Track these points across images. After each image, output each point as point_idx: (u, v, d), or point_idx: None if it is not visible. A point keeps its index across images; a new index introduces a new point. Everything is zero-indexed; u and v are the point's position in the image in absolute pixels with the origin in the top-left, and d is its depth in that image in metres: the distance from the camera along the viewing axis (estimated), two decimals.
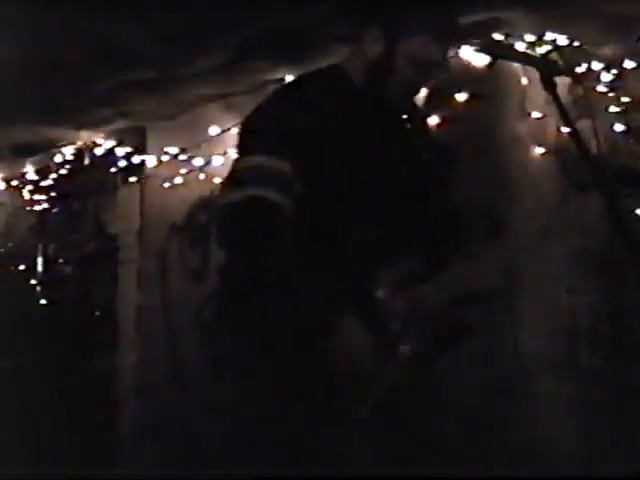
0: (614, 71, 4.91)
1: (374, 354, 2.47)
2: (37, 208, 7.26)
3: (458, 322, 2.66)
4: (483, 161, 4.67)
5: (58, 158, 6.86)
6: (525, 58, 2.76)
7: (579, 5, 4.38)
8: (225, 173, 5.67)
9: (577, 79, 4.73)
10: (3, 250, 7.53)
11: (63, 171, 6.93)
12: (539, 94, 4.55)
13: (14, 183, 7.25)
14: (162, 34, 4.67)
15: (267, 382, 2.58)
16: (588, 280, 4.62)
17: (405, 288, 2.59)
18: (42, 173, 7.09)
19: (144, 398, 6.11)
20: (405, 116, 2.80)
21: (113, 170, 6.59)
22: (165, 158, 6.16)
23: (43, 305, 7.10)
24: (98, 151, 6.62)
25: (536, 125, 4.76)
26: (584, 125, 4.02)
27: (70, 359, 6.61)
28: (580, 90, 4.70)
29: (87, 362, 6.55)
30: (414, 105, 2.93)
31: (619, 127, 4.88)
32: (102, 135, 6.56)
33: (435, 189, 2.79)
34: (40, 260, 7.25)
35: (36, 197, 7.23)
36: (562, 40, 4.74)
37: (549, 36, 4.73)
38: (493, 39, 4.36)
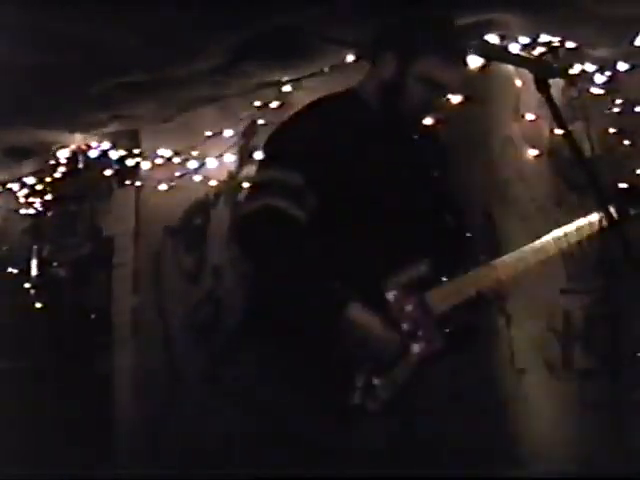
0: (608, 73, 4.93)
1: (384, 354, 2.61)
2: (31, 211, 7.25)
3: (464, 323, 2.79)
4: (477, 163, 4.67)
5: (52, 161, 6.86)
6: (519, 60, 2.79)
7: (573, 7, 4.39)
8: (219, 175, 5.67)
9: (571, 81, 4.74)
10: None
11: (57, 174, 6.92)
12: (533, 96, 4.56)
13: (8, 186, 7.24)
14: (156, 37, 4.67)
15: (288, 380, 2.72)
16: (582, 281, 4.64)
17: (413, 291, 2.70)
18: (37, 176, 7.08)
19: (140, 400, 6.10)
20: (416, 135, 2.95)
21: (108, 173, 6.58)
22: (159, 161, 6.15)
23: (38, 308, 7.09)
24: (92, 154, 6.62)
25: (530, 127, 4.77)
26: (578, 127, 4.04)
27: (65, 362, 6.60)
28: (574, 92, 4.71)
29: (82, 364, 6.54)
30: (423, 123, 3.07)
31: (613, 129, 4.91)
32: (97, 138, 6.56)
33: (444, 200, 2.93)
34: (34, 263, 7.24)
35: (30, 200, 7.21)
36: (556, 42, 4.75)
37: (543, 38, 4.74)
38: (487, 41, 4.37)
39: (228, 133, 5.72)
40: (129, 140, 6.43)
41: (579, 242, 2.92)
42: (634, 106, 4.95)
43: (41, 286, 7.17)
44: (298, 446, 2.68)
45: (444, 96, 2.99)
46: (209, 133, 5.79)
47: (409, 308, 2.69)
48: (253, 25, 4.57)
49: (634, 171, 4.83)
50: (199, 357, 5.72)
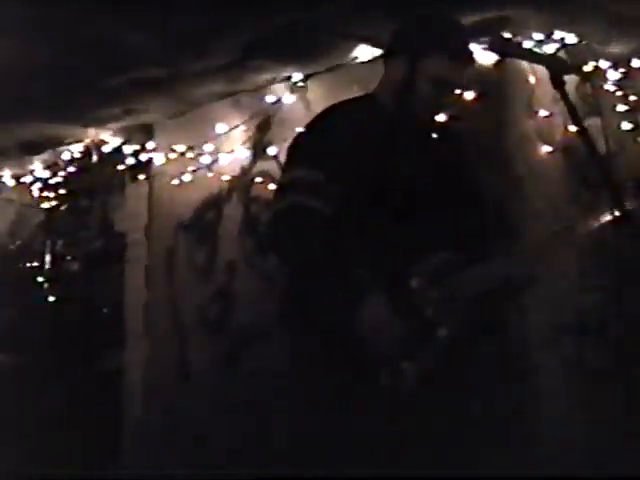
0: (622, 70, 4.92)
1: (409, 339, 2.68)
2: (45, 205, 7.26)
3: (492, 310, 2.89)
4: (490, 159, 4.66)
5: (66, 156, 6.87)
6: (534, 56, 2.79)
7: (587, 4, 4.38)
8: (232, 171, 5.69)
9: (585, 77, 4.73)
10: (11, 247, 7.54)
11: (71, 169, 6.93)
12: (547, 92, 4.56)
13: (22, 180, 7.26)
14: (170, 32, 4.68)
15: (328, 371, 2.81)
16: (596, 278, 4.62)
17: (438, 277, 2.78)
18: (50, 170, 7.10)
19: (151, 396, 6.11)
20: (432, 132, 3.07)
21: (121, 168, 6.59)
22: (173, 156, 6.16)
23: (51, 302, 7.11)
24: (106, 149, 6.62)
25: (544, 124, 4.76)
26: (592, 123, 4.03)
27: (77, 356, 6.61)
28: (588, 88, 4.70)
29: (94, 359, 6.56)
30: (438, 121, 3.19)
31: (627, 125, 4.89)
32: (110, 133, 6.56)
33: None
34: (48, 257, 7.26)
35: (44, 194, 7.23)
36: (570, 38, 4.74)
37: (557, 35, 4.72)
38: (502, 37, 4.36)
39: (242, 128, 5.72)
40: (142, 135, 6.44)
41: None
42: None
43: (54, 280, 7.19)
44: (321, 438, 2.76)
45: (454, 93, 3.11)
46: (223, 128, 5.79)
47: (434, 294, 2.76)
48: (267, 20, 4.57)
49: None
50: (211, 353, 5.72)
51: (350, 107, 3.03)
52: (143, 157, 6.42)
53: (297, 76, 5.38)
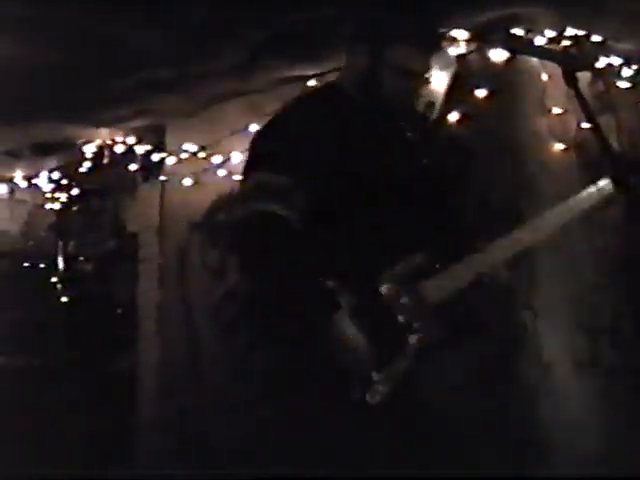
0: (635, 66, 4.90)
1: (381, 348, 2.57)
2: (57, 206, 7.28)
3: (465, 311, 2.80)
4: (503, 157, 4.65)
5: (78, 156, 6.88)
6: (547, 53, 2.77)
7: (599, 1, 4.36)
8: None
9: (598, 74, 4.71)
10: (24, 248, 7.56)
11: (83, 169, 6.95)
12: (559, 90, 4.54)
13: (34, 181, 7.27)
14: (181, 32, 4.68)
15: (281, 378, 2.75)
16: (609, 277, 4.61)
17: (408, 282, 2.68)
18: (62, 171, 7.11)
19: (164, 396, 6.12)
20: (403, 123, 2.93)
21: (133, 168, 6.60)
22: (184, 156, 6.16)
23: (64, 303, 7.13)
24: (118, 149, 6.64)
25: (556, 121, 4.74)
26: (605, 120, 4.01)
27: (91, 356, 6.62)
28: (601, 85, 4.68)
29: (108, 359, 6.57)
30: (414, 112, 3.07)
31: None
32: (122, 133, 6.57)
33: (439, 188, 2.94)
34: (60, 258, 7.28)
35: (56, 195, 7.25)
36: (582, 35, 4.73)
37: (569, 31, 4.71)
38: (513, 35, 4.35)
39: (253, 128, 5.71)
40: (154, 135, 6.44)
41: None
42: None
43: (67, 281, 7.20)
44: (301, 445, 2.67)
45: (420, 82, 2.94)
46: (234, 128, 5.79)
47: (404, 300, 2.67)
48: (278, 20, 4.57)
49: None
50: (224, 353, 5.73)
51: (312, 99, 2.93)
52: (155, 157, 6.42)
53: (307, 75, 5.38)
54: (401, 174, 2.81)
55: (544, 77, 4.64)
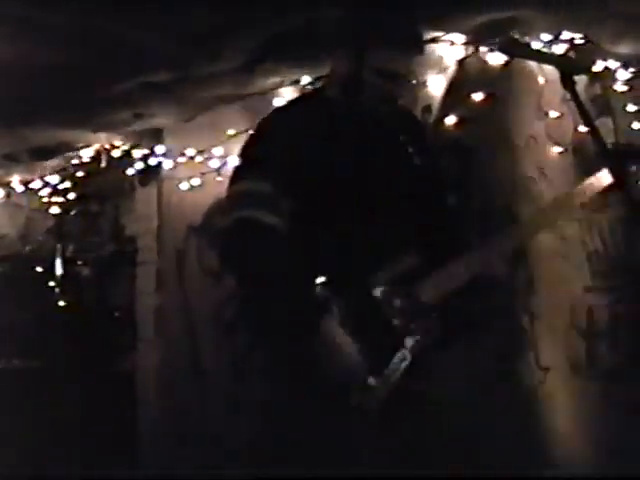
0: (631, 69, 4.91)
1: (377, 352, 2.56)
2: (55, 210, 7.28)
3: (462, 311, 2.77)
4: (500, 161, 4.66)
5: (75, 160, 6.88)
6: (544, 57, 2.78)
7: (595, 4, 4.37)
8: None
9: (594, 78, 4.73)
10: (22, 252, 7.56)
11: (81, 173, 6.95)
12: (556, 93, 4.56)
13: (32, 185, 7.27)
14: (179, 36, 4.68)
15: (275, 381, 2.72)
16: (606, 278, 4.62)
17: (402, 286, 2.67)
18: (60, 175, 7.11)
19: (163, 399, 6.12)
20: (391, 127, 2.89)
21: (130, 172, 6.60)
22: (182, 160, 6.17)
23: (62, 307, 7.12)
24: (115, 153, 6.64)
25: (553, 124, 4.75)
26: (602, 124, 4.02)
27: (89, 360, 6.62)
28: (597, 89, 4.69)
29: (106, 363, 6.57)
30: (401, 116, 3.00)
31: (637, 125, 4.88)
32: (119, 137, 6.58)
33: (430, 191, 2.90)
34: (58, 262, 7.27)
35: (54, 199, 7.25)
36: (578, 39, 4.74)
37: (565, 35, 4.72)
38: (511, 38, 4.35)
39: (251, 132, 5.71)
40: (152, 139, 6.45)
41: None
42: None
43: (65, 285, 7.20)
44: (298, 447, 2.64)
45: (403, 85, 2.92)
46: (232, 132, 5.79)
47: (398, 302, 2.66)
48: (277, 23, 4.58)
49: None
50: (224, 356, 5.73)
51: (298, 107, 2.93)
52: (153, 161, 6.43)
53: (306, 79, 5.38)
54: (390, 177, 2.81)
55: (541, 80, 4.65)
